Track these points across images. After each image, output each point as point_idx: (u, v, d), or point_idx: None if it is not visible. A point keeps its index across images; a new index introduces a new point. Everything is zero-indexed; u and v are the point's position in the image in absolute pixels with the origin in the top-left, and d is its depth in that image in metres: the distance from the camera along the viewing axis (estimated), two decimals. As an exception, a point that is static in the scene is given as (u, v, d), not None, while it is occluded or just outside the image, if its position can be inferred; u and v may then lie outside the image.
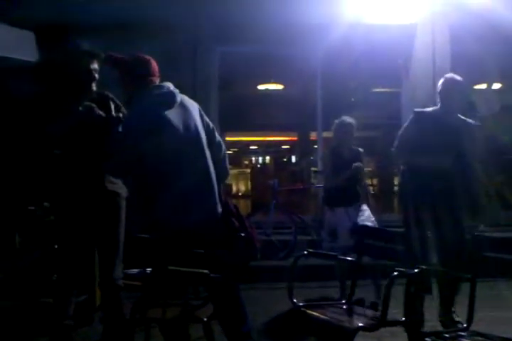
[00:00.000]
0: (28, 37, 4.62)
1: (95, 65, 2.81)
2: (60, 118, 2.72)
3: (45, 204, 3.43)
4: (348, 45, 5.70)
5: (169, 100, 2.58)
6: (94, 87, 2.83)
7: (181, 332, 2.55)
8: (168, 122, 2.52)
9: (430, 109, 3.47)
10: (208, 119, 2.76)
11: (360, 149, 4.15)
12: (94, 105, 2.75)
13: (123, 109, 2.90)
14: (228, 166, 2.89)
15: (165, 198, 2.48)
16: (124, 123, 2.61)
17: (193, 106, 2.70)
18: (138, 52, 2.69)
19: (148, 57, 2.66)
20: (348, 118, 4.11)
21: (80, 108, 2.70)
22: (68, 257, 2.81)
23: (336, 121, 4.14)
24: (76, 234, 2.80)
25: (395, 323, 2.26)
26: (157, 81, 2.65)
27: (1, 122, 4.48)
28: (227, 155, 2.84)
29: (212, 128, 2.75)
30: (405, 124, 3.49)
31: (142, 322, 2.74)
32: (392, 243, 2.52)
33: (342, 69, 6.56)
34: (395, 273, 2.14)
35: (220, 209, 2.63)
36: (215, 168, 2.66)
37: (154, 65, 2.65)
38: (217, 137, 2.79)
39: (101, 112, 2.76)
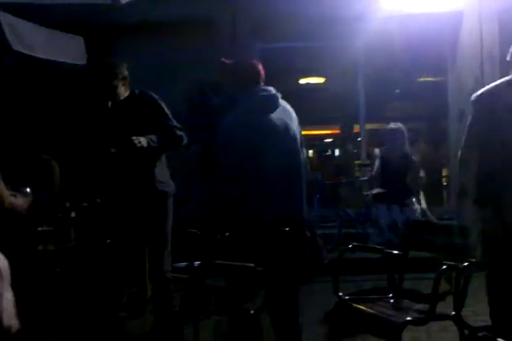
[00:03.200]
0: (78, 41, 4.77)
1: (115, 82, 2.86)
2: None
3: (98, 200, 3.57)
4: (390, 35, 5.58)
5: (273, 102, 2.66)
6: (109, 104, 2.92)
7: (234, 325, 2.60)
8: (270, 124, 2.59)
9: (491, 85, 2.65)
10: (300, 130, 2.81)
11: (413, 157, 4.14)
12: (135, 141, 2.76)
13: (155, 107, 2.94)
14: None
15: (254, 196, 2.53)
16: (225, 124, 2.65)
17: (293, 113, 2.77)
18: (247, 58, 2.77)
19: (255, 61, 2.76)
20: (395, 125, 4.11)
21: (112, 150, 2.78)
22: (119, 251, 2.92)
23: (385, 128, 4.17)
24: (126, 229, 2.91)
25: (445, 317, 2.22)
26: (262, 84, 2.72)
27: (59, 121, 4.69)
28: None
29: (303, 141, 2.80)
30: (468, 122, 2.70)
31: (191, 315, 2.82)
32: (441, 236, 2.47)
33: (384, 60, 6.43)
34: (444, 267, 2.10)
35: (305, 212, 2.69)
36: None
37: (261, 69, 2.73)
38: (304, 150, 2.83)
39: (143, 142, 2.76)
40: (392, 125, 4.13)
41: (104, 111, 2.91)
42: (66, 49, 4.67)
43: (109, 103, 2.91)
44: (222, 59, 2.78)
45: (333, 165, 8.44)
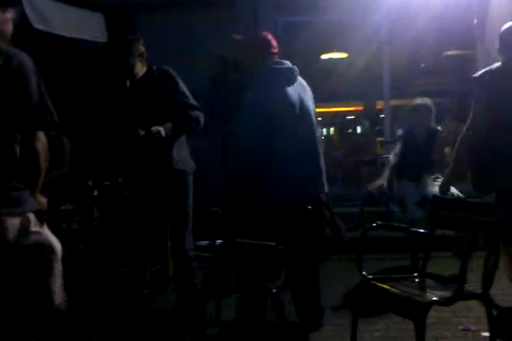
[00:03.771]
0: (97, 18, 4.72)
1: (133, 60, 2.80)
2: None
3: (120, 179, 3.58)
4: (415, 8, 5.38)
5: (290, 75, 2.61)
6: (128, 82, 2.86)
7: (252, 303, 2.62)
8: (289, 97, 2.54)
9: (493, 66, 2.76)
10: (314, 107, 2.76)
11: (439, 127, 4.01)
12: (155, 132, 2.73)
13: (174, 84, 2.88)
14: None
15: (275, 175, 2.52)
16: (246, 102, 2.63)
17: (309, 89, 2.73)
18: (259, 32, 2.70)
19: (267, 34, 2.70)
20: (421, 100, 3.99)
21: (141, 132, 2.74)
22: (141, 229, 2.94)
23: (411, 104, 4.04)
24: (147, 208, 2.92)
25: (472, 296, 2.17)
26: (276, 57, 2.66)
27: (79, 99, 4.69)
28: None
29: (315, 115, 2.75)
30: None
31: (213, 292, 2.84)
32: (469, 213, 2.40)
33: (409, 34, 6.22)
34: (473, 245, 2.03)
35: (326, 190, 2.68)
36: None
37: (275, 42, 2.68)
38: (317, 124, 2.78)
39: (162, 132, 2.74)
40: (419, 100, 4.01)
41: (123, 90, 2.87)
42: (86, 26, 4.63)
43: (128, 82, 2.87)
44: (233, 35, 2.70)
45: (355, 142, 8.30)
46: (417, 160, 3.97)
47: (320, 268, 2.87)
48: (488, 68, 2.74)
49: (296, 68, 2.67)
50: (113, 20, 4.88)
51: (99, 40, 4.69)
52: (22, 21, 3.63)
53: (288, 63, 2.67)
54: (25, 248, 1.67)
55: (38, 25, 3.90)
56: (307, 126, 2.64)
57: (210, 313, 2.84)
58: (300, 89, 2.65)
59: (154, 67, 2.87)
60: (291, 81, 2.62)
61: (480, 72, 2.78)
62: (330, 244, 2.64)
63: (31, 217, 1.70)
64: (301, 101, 2.61)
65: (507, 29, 2.75)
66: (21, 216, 1.66)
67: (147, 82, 2.85)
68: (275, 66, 2.62)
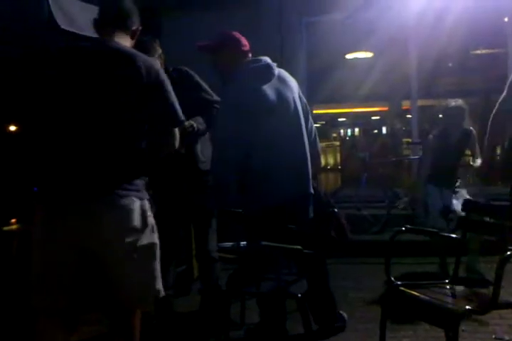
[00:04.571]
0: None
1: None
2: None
3: (145, 179, 3.58)
4: (442, 7, 5.26)
5: (266, 73, 2.53)
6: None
7: (276, 307, 2.58)
8: (264, 96, 2.47)
9: None
10: (305, 100, 2.69)
11: (471, 128, 3.90)
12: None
13: (194, 80, 2.89)
14: (320, 150, 2.84)
15: (259, 175, 2.46)
16: (221, 103, 2.60)
17: (293, 82, 2.63)
18: (223, 30, 2.65)
19: (235, 33, 2.62)
20: (454, 102, 3.87)
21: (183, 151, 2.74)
22: (166, 230, 2.93)
23: (443, 105, 3.93)
24: (172, 208, 2.91)
25: (509, 306, 2.09)
26: (250, 55, 2.60)
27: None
28: (318, 139, 2.78)
29: (308, 110, 2.68)
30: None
31: (237, 294, 2.81)
32: (501, 219, 2.31)
33: (436, 33, 6.09)
34: (509, 253, 1.95)
35: (311, 189, 2.59)
36: None
37: (244, 40, 2.61)
38: (311, 120, 2.72)
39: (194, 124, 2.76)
40: (453, 102, 3.86)
41: None
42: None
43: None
44: (197, 43, 2.62)
45: (381, 143, 8.18)
46: (446, 164, 3.85)
47: (346, 272, 2.82)
48: None
49: (273, 63, 2.56)
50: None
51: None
52: (50, 22, 3.68)
53: (266, 59, 2.57)
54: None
55: (65, 26, 3.93)
56: (292, 122, 2.53)
57: (234, 315, 2.82)
58: (278, 85, 2.53)
59: (171, 68, 2.86)
60: (268, 78, 2.51)
61: None
62: (333, 244, 2.59)
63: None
64: (280, 96, 2.50)
65: None
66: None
67: None
68: (251, 65, 2.54)
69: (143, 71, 1.75)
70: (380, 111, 11.22)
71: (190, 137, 2.76)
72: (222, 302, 2.67)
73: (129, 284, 1.78)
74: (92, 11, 4.36)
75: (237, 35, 2.61)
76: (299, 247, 2.29)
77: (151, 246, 1.83)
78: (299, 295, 2.27)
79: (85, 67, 1.77)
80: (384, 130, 10.18)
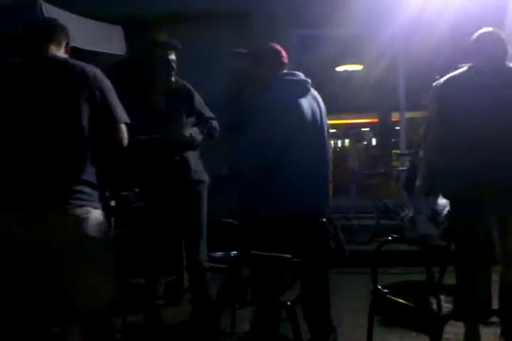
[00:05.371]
0: (117, 31, 4.81)
1: (172, 56, 2.88)
2: (141, 112, 2.84)
3: (136, 190, 3.61)
4: (431, 20, 5.38)
5: (302, 88, 2.61)
6: (173, 78, 2.91)
7: (268, 315, 2.61)
8: (299, 110, 2.53)
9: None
10: (326, 120, 2.75)
11: None
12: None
13: (197, 98, 2.96)
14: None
15: (283, 184, 2.51)
16: (258, 110, 2.61)
17: (321, 102, 2.72)
18: (271, 44, 2.73)
19: (276, 45, 2.72)
20: None
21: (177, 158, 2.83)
22: (156, 240, 2.96)
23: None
24: (162, 218, 2.94)
25: (491, 313, 2.14)
26: (287, 68, 2.68)
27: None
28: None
29: (327, 128, 2.75)
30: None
31: (228, 304, 2.84)
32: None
33: (425, 46, 6.23)
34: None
35: (330, 203, 2.68)
36: None
37: (283, 52, 2.69)
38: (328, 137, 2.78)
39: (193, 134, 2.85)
40: None
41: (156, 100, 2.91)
42: (106, 39, 4.71)
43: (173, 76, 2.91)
44: (238, 50, 2.72)
45: (371, 154, 8.29)
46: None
47: (334, 281, 2.85)
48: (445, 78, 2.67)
49: (309, 80, 2.66)
50: (131, 34, 4.97)
51: (119, 53, 4.77)
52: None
53: (301, 75, 2.67)
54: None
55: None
56: (318, 138, 2.63)
57: (224, 325, 2.84)
58: (313, 102, 2.64)
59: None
60: (304, 92, 2.61)
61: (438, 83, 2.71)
62: (333, 257, 2.63)
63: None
64: (314, 113, 2.60)
65: (484, 34, 2.69)
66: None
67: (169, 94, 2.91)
68: (287, 77, 2.63)
69: (83, 77, 1.83)
70: (370, 122, 11.36)
71: (189, 146, 2.81)
72: (213, 311, 2.70)
73: (80, 292, 1.81)
74: (89, 25, 4.44)
75: (278, 46, 2.71)
76: (289, 256, 2.33)
77: (103, 255, 1.88)
78: (289, 304, 2.31)
79: (27, 78, 1.84)
80: (374, 141, 10.31)
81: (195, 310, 2.98)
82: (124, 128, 1.95)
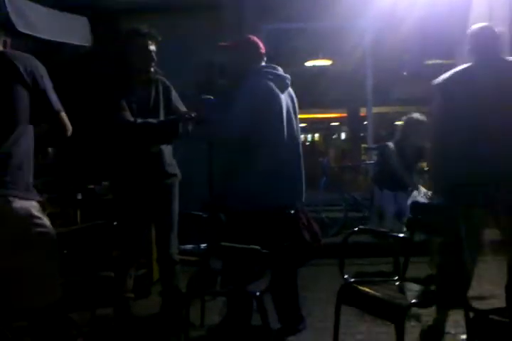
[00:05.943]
0: (82, 22, 4.73)
1: (153, 47, 2.86)
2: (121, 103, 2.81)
3: (104, 183, 3.58)
4: (398, 18, 5.49)
5: (282, 82, 2.63)
6: (152, 68, 2.89)
7: (240, 305, 2.63)
8: (278, 99, 2.55)
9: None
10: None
11: (425, 145, 4.08)
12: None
13: (174, 93, 2.96)
14: None
15: (255, 179, 2.54)
16: (235, 97, 2.63)
17: (294, 97, 2.74)
18: (248, 35, 2.76)
19: (253, 37, 2.74)
20: (418, 116, 4.02)
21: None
22: (126, 233, 2.94)
23: (406, 117, 4.07)
24: (133, 212, 2.92)
25: (450, 301, 2.22)
26: (265, 59, 2.70)
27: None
28: None
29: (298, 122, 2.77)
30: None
31: (197, 296, 2.86)
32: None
33: (392, 43, 6.34)
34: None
35: (304, 197, 2.72)
36: None
37: (261, 43, 2.71)
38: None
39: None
40: (417, 116, 4.02)
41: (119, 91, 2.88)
42: (71, 30, 4.63)
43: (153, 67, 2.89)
44: (219, 43, 2.74)
45: (339, 148, 8.41)
46: (401, 170, 4.01)
47: (303, 273, 2.90)
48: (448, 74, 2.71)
49: (288, 77, 2.69)
50: (97, 25, 4.89)
51: (84, 44, 4.70)
52: (7, 25, 3.63)
53: (281, 70, 2.69)
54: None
55: (23, 29, 3.89)
56: (291, 132, 2.67)
57: (194, 317, 2.85)
58: (288, 99, 2.68)
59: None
60: (283, 87, 2.64)
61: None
62: (309, 248, 2.67)
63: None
64: (288, 110, 2.64)
65: (480, 29, 2.73)
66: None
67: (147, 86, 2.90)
68: (268, 69, 2.65)
69: (21, 68, 1.78)
70: (339, 117, 11.49)
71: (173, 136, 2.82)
72: (183, 304, 2.71)
73: (16, 289, 1.74)
74: (54, 16, 4.35)
75: (255, 38, 2.73)
76: (258, 247, 2.36)
77: (36, 250, 1.76)
78: (258, 294, 2.34)
79: None
80: (343, 135, 10.44)
81: (165, 302, 2.98)
82: (64, 116, 1.88)
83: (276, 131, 2.55)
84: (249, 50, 2.67)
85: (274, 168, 2.55)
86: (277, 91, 2.57)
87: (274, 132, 2.55)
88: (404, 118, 4.10)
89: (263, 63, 2.70)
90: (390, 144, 4.12)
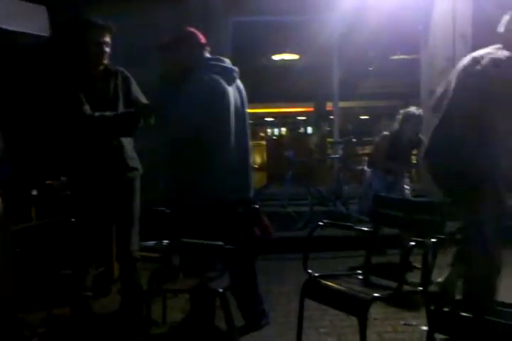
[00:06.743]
0: (41, 11, 4.56)
1: (107, 38, 2.75)
2: (72, 94, 2.70)
3: (62, 178, 3.45)
4: (365, 13, 5.51)
5: (229, 75, 2.57)
6: (106, 61, 2.78)
7: (199, 303, 2.59)
8: (225, 93, 2.50)
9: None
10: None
11: (421, 136, 4.12)
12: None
13: (134, 84, 2.86)
14: None
15: (211, 170, 2.50)
16: (186, 95, 2.54)
17: (244, 92, 2.69)
18: (182, 28, 2.66)
19: (192, 29, 2.64)
20: (415, 110, 4.07)
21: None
22: (85, 230, 2.84)
23: (403, 111, 4.14)
24: (93, 208, 2.82)
25: (412, 293, 2.24)
26: (208, 49, 2.63)
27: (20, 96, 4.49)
28: None
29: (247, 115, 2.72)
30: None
31: (159, 293, 2.79)
32: (411, 212, 2.47)
33: (359, 38, 6.37)
34: (412, 243, 2.10)
35: (252, 190, 2.68)
36: None
37: (199, 33, 2.63)
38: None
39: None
40: (414, 110, 4.07)
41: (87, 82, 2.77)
42: (29, 19, 4.46)
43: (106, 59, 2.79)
44: (159, 43, 2.66)
45: (306, 142, 8.42)
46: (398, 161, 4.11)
47: (269, 267, 2.87)
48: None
49: (236, 69, 2.63)
50: (56, 15, 4.72)
51: (42, 33, 4.53)
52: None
53: (228, 62, 2.63)
54: None
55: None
56: (239, 126, 2.61)
57: (155, 315, 2.79)
58: (236, 92, 2.62)
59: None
60: (230, 80, 2.58)
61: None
62: (259, 243, 2.65)
63: None
64: (236, 103, 2.59)
65: None
66: None
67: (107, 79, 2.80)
68: (214, 62, 2.58)
69: None
70: (305, 111, 11.54)
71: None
72: (143, 301, 2.64)
73: None
74: (10, 3, 4.16)
75: (192, 29, 2.64)
76: (221, 243, 2.31)
77: None
78: (221, 291, 2.30)
79: None
80: (309, 130, 10.47)
81: (124, 300, 2.90)
82: None
83: (223, 125, 2.50)
84: (190, 42, 2.60)
85: (221, 161, 2.51)
86: (224, 84, 2.51)
87: (220, 126, 2.49)
88: (401, 111, 4.18)
89: (207, 54, 2.63)
90: (385, 133, 4.21)
